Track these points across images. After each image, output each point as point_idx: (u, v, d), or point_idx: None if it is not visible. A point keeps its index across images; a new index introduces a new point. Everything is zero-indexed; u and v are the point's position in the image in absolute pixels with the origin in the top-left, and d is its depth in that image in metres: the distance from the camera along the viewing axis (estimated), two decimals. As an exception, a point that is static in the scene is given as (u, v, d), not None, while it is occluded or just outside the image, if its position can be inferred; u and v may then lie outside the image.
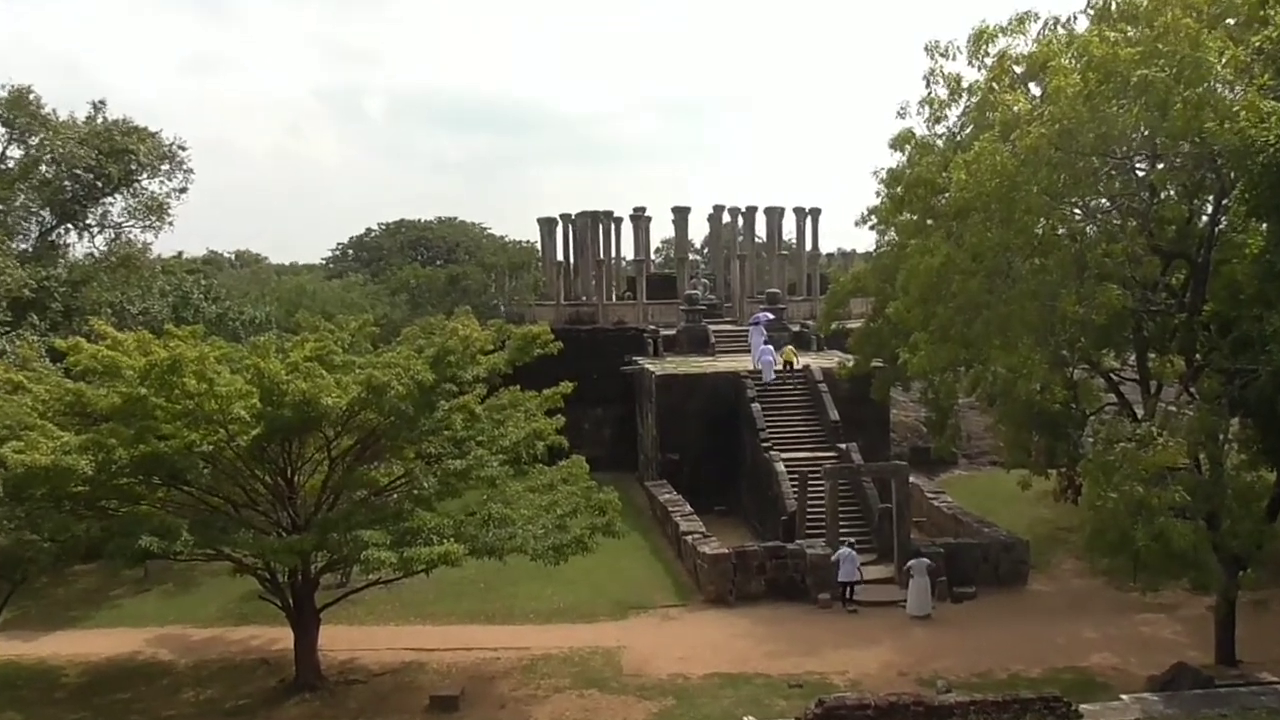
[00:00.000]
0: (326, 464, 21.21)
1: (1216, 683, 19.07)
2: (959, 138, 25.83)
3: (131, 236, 39.89)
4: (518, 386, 23.39)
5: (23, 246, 37.59)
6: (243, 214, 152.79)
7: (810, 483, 29.51)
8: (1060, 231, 21.53)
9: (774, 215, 53.64)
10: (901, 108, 25.76)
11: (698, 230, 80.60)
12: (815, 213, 53.75)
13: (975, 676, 21.24)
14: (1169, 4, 19.71)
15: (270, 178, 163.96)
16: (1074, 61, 20.82)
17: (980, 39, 23.51)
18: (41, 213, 38.55)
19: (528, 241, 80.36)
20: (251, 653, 24.04)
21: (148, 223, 39.67)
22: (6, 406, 20.90)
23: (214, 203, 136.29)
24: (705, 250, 72.56)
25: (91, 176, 37.99)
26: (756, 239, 57.15)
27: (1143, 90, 18.54)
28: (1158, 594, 20.80)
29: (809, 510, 29.43)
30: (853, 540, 27.28)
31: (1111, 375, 23.67)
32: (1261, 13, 19.53)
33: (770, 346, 37.91)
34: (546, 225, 54.02)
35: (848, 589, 25.95)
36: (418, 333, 25.10)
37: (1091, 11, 22.55)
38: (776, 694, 20.50)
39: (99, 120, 38.76)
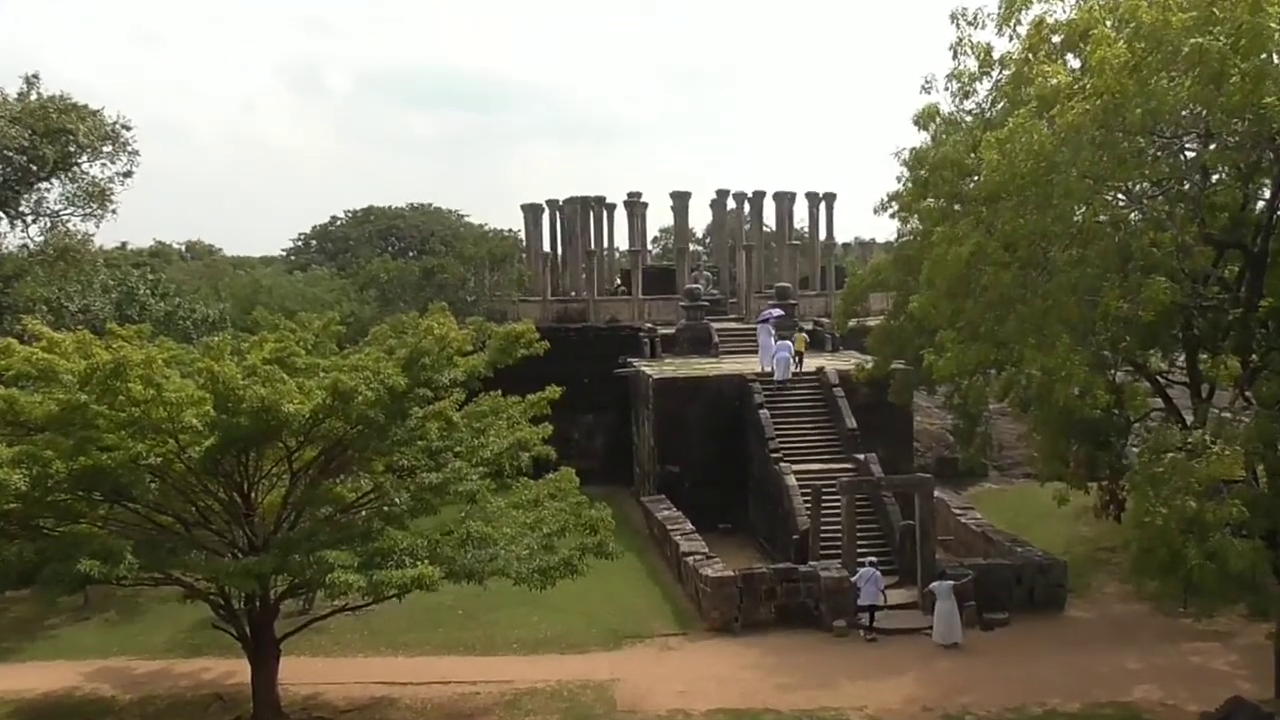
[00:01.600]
0: (287, 478, 21.13)
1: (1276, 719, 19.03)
2: (990, 115, 25.81)
3: (70, 226, 39.69)
4: (499, 392, 23.34)
5: (-53, 238, 37.46)
6: (194, 201, 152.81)
7: (825, 498, 29.49)
8: (1102, 218, 21.49)
9: (784, 201, 53.70)
10: (926, 81, 25.78)
11: (699, 218, 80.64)
12: (830, 198, 53.84)
13: (1008, 712, 21.24)
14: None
15: (224, 161, 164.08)
16: (1118, 29, 20.78)
17: (1012, 5, 23.51)
18: (-33, 200, 38.36)
19: (510, 231, 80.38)
20: (203, 687, 23.92)
21: (88, 211, 39.47)
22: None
23: (162, 189, 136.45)
24: (708, 240, 72.58)
25: (24, 159, 37.75)
26: (765, 228, 57.25)
27: (1195, 61, 18.49)
28: (1211, 620, 20.81)
29: (823, 528, 29.40)
30: (874, 559, 27.27)
31: (1159, 378, 23.66)
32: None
33: (788, 342, 37.94)
34: (531, 213, 53.99)
35: (870, 614, 25.91)
36: (388, 332, 25.03)
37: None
38: (788, 732, 20.43)
39: (32, 97, 38.55)
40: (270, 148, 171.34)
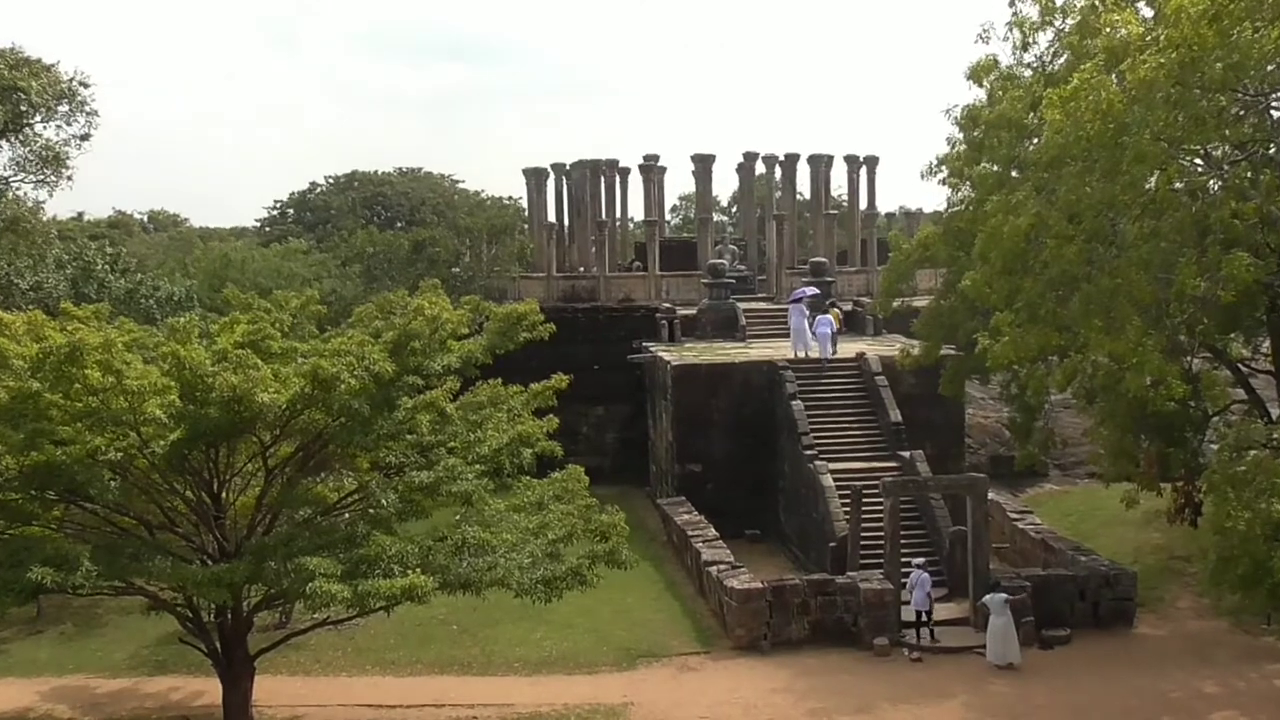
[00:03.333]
0: (262, 476, 21.23)
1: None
2: (1052, 68, 25.77)
3: (21, 194, 39.89)
4: (499, 380, 23.35)
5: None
6: (158, 167, 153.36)
7: (865, 501, 29.49)
8: (1177, 186, 21.46)
9: (820, 165, 53.62)
10: (983, 30, 25.74)
11: (724, 184, 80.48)
12: (871, 162, 53.69)
13: (1070, 741, 21.22)
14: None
15: (192, 122, 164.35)
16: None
17: (1078, -56, 23.45)
18: (-94, 165, 38.59)
19: (511, 198, 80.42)
20: (170, 708, 24.09)
21: (41, 177, 39.61)
22: None
23: (123, 153, 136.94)
24: (734, 209, 72.59)
25: (-32, 120, 37.96)
26: (798, 195, 57.14)
27: (1284, 8, 18.43)
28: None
29: (863, 535, 29.42)
30: (923, 562, 27.31)
31: (1240, 365, 23.61)
32: None
33: (828, 316, 38.01)
34: (534, 178, 54.01)
35: (918, 624, 26.07)
36: (374, 312, 25.05)
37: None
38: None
39: (-22, 50, 38.74)
40: (244, 107, 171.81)
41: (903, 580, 26.64)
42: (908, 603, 26.65)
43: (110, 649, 27.47)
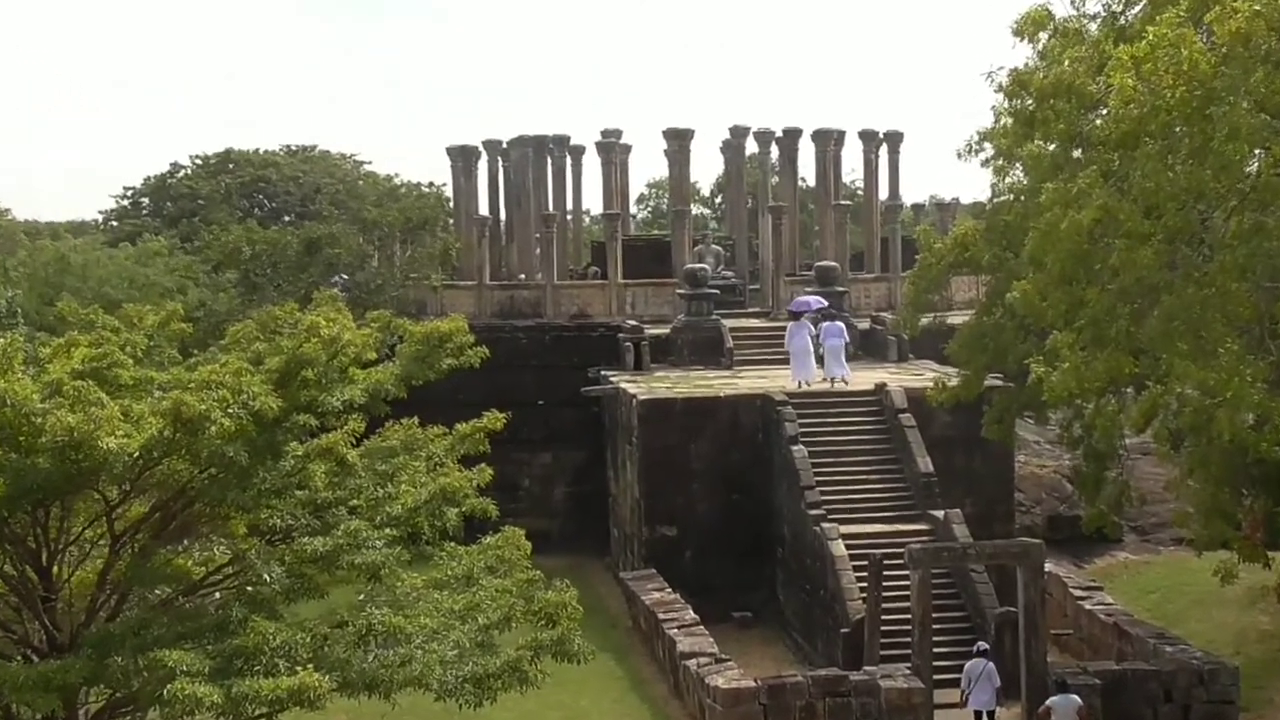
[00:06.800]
0: (107, 544, 21.01)
1: None
2: (1123, 20, 25.98)
3: None
4: (415, 419, 23.37)
5: None
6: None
7: (887, 573, 29.52)
8: (1286, 169, 21.66)
9: (827, 143, 53.90)
10: (1034, -31, 25.89)
11: (706, 168, 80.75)
12: (893, 139, 54.11)
13: None
14: None
15: (10, 82, 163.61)
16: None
17: None
18: None
19: (432, 185, 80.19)
20: None
21: None
22: None
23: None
24: (718, 200, 72.90)
25: None
26: (800, 181, 57.43)
27: None
28: None
29: (885, 618, 29.44)
30: (985, 647, 27.24)
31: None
32: None
33: (839, 324, 38.29)
34: (462, 159, 54.10)
35: None
36: (254, 332, 24.97)
37: None
38: None
39: None
40: (77, 62, 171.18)
41: (932, 670, 26.53)
42: (957, 705, 26.68)
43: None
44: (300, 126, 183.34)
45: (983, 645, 27.28)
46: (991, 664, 26.48)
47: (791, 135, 53.62)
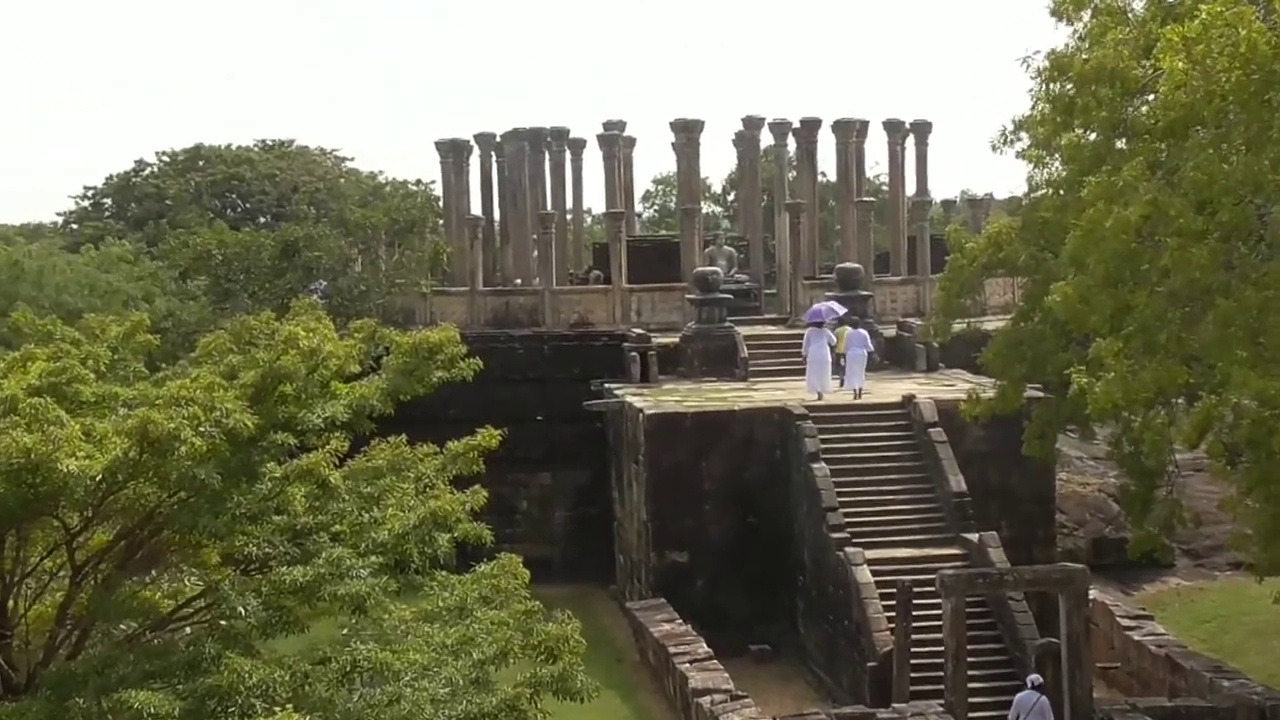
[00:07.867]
0: (67, 575, 21.00)
1: None
2: (1171, -1, 25.93)
3: None
4: (403, 437, 23.34)
5: None
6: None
7: (917, 602, 29.43)
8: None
9: (849, 135, 53.90)
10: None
11: (717, 162, 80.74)
12: (921, 130, 54.09)
13: None
14: None
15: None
16: None
17: None
18: None
19: (420, 183, 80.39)
20: None
21: None
22: None
23: None
24: (730, 197, 72.92)
25: None
26: (820, 176, 57.44)
27: None
28: None
29: (915, 650, 29.33)
30: (1039, 680, 27.02)
31: None
32: None
33: (862, 332, 38.47)
34: (452, 154, 54.06)
35: None
36: (227, 343, 24.95)
37: None
38: None
39: None
40: (32, 52, 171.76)
41: (967, 707, 26.45)
42: None
43: None
44: (300, 127, 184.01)
45: (1036, 678, 27.06)
46: (1045, 699, 26.35)
47: (810, 126, 53.52)
